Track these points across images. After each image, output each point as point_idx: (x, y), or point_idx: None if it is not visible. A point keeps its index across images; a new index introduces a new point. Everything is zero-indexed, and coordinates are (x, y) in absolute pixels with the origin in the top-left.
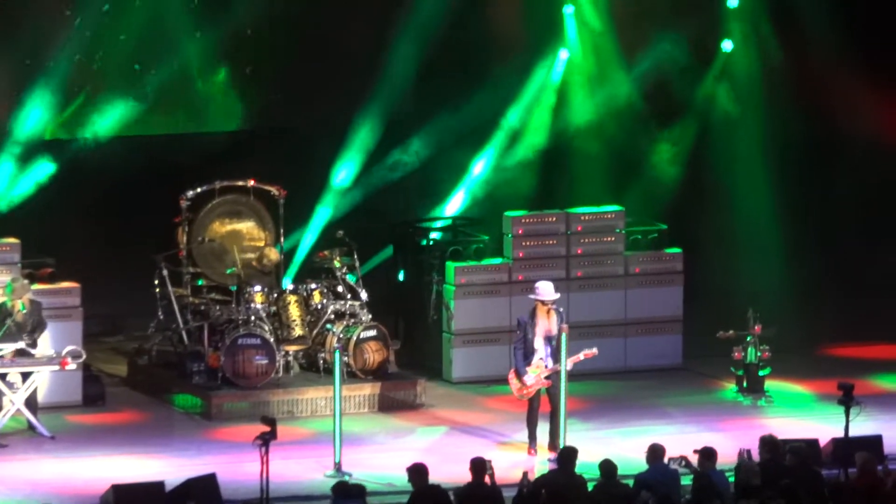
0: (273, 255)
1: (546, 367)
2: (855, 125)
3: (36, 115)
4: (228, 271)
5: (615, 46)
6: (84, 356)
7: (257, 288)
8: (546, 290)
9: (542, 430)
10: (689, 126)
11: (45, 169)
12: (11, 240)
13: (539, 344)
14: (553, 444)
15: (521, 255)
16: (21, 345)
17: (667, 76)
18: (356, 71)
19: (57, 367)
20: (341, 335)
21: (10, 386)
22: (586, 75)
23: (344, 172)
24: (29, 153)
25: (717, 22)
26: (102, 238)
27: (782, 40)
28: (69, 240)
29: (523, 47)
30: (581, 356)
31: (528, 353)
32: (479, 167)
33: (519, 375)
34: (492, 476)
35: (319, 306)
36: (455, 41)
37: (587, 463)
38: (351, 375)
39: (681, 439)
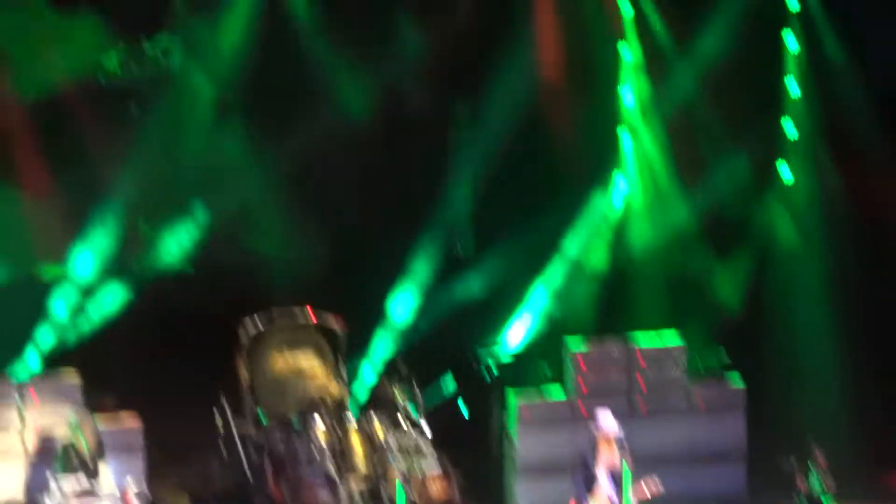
0: (335, 388)
1: (610, 501)
2: None
3: (99, 247)
4: (290, 406)
5: (673, 173)
6: (147, 493)
7: (319, 422)
8: (608, 421)
9: None
10: (749, 252)
11: (106, 301)
12: (72, 372)
13: (602, 477)
14: None
15: (583, 387)
16: (84, 482)
17: (725, 202)
18: (414, 202)
19: (118, 502)
20: (405, 469)
21: None
22: (644, 202)
23: (403, 305)
24: (91, 285)
25: (775, 148)
26: (163, 371)
27: (840, 166)
28: (130, 372)
29: (582, 175)
30: (646, 490)
31: (590, 486)
32: (540, 296)
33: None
34: None
35: (382, 440)
36: (514, 170)
37: None
38: None
39: None
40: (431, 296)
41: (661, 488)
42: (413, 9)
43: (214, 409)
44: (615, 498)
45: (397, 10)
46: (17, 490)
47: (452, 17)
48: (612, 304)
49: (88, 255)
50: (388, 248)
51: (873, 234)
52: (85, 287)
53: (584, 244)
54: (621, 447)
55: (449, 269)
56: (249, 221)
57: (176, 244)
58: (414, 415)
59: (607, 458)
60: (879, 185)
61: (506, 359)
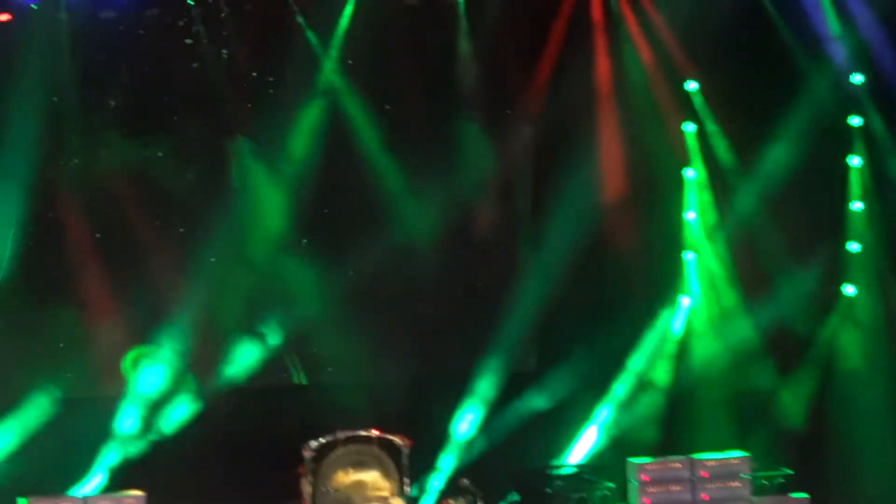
0: None
1: None
2: None
3: (164, 364)
4: None
5: (736, 291)
6: None
7: None
8: None
9: None
10: (813, 370)
11: (171, 419)
12: (136, 492)
13: None
14: None
15: (646, 501)
16: None
17: (788, 321)
18: (477, 321)
19: None
20: None
21: None
22: (708, 322)
23: (467, 421)
24: (153, 405)
25: (839, 263)
26: (226, 489)
27: None
28: (193, 491)
29: (646, 293)
30: None
31: None
32: (603, 414)
33: None
34: None
35: None
36: (579, 288)
37: None
38: None
39: None
40: (495, 412)
41: None
42: (477, 128)
43: None
44: None
45: (462, 129)
46: None
47: (516, 134)
48: (675, 420)
49: (153, 372)
50: (453, 366)
51: None
52: (150, 405)
53: (648, 361)
54: None
55: (513, 386)
56: (313, 341)
57: (242, 363)
58: None
59: None
60: None
61: (570, 475)
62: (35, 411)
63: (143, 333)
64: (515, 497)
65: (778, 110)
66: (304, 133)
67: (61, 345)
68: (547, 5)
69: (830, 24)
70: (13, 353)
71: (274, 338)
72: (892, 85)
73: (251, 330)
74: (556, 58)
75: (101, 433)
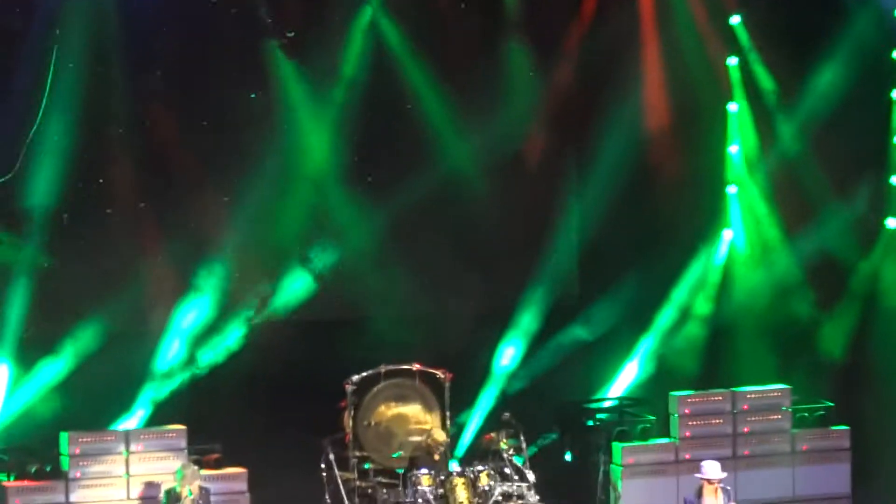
0: (440, 437)
1: None
2: None
3: (207, 300)
4: (395, 455)
5: (779, 224)
6: None
7: (424, 471)
8: (712, 468)
9: None
10: (855, 303)
11: (214, 354)
12: (178, 426)
13: None
14: None
15: (687, 434)
16: None
17: (831, 254)
18: (520, 252)
19: None
20: None
21: None
22: (750, 254)
23: (509, 354)
24: (200, 338)
25: (881, 198)
26: (269, 422)
27: None
28: (236, 424)
29: (690, 225)
30: None
31: None
32: (645, 347)
33: None
34: None
35: (487, 488)
36: (622, 220)
37: None
38: None
39: None
40: (537, 345)
41: None
42: (524, 57)
43: (321, 461)
44: None
45: (511, 59)
46: None
47: (562, 66)
48: (717, 353)
49: (197, 308)
50: (495, 299)
51: None
52: (193, 340)
53: (690, 294)
54: (725, 494)
55: (555, 319)
56: (357, 277)
57: (285, 298)
58: (519, 462)
59: (712, 503)
60: None
61: (611, 408)
62: (84, 344)
63: (190, 268)
64: (554, 435)
65: (821, 44)
66: (352, 62)
67: (111, 280)
68: None
69: None
70: (67, 288)
71: (323, 270)
72: None
73: (302, 262)
74: None
75: (145, 367)
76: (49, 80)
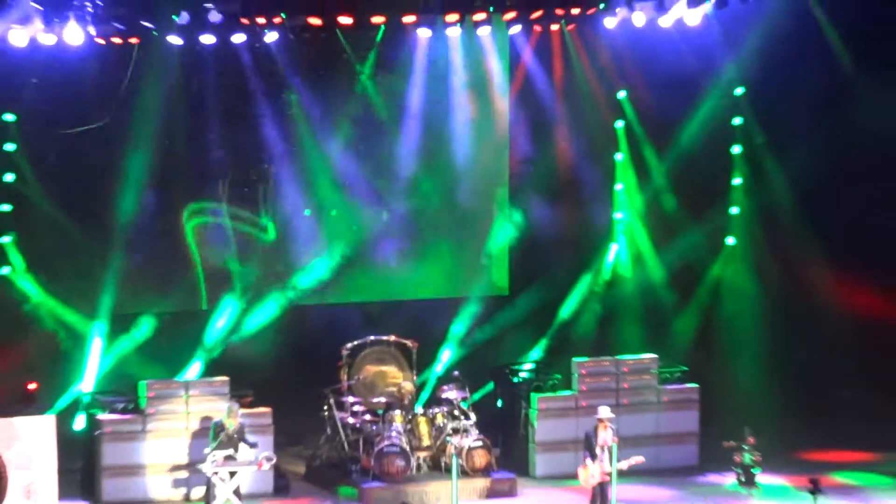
0: (408, 388)
1: (604, 468)
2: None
3: (248, 271)
4: (377, 399)
5: (650, 240)
6: (275, 459)
7: (396, 412)
8: (605, 411)
9: None
10: (704, 297)
11: (251, 324)
12: (222, 377)
13: (599, 450)
14: None
15: (584, 388)
16: (230, 453)
17: (687, 261)
18: (466, 255)
19: (255, 468)
20: (457, 445)
21: (223, 480)
22: (630, 261)
23: (460, 330)
24: (238, 316)
25: (724, 224)
26: (287, 376)
27: (767, 234)
28: (264, 377)
29: (589, 241)
30: (633, 461)
31: (592, 457)
32: (554, 327)
33: (584, 466)
34: None
35: (441, 425)
36: (540, 236)
37: None
38: (464, 474)
39: None
40: (479, 324)
41: (642, 460)
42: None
43: (324, 404)
44: (607, 464)
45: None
46: (181, 457)
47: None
48: (606, 331)
49: (238, 294)
50: (449, 291)
51: (788, 277)
52: (235, 317)
53: (589, 288)
54: (612, 430)
55: (491, 305)
56: (353, 275)
57: (307, 282)
58: (464, 406)
59: (603, 437)
60: (791, 245)
61: (530, 369)
62: (157, 318)
63: (233, 259)
64: (491, 386)
65: (684, 112)
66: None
67: (178, 271)
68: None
69: (723, 51)
70: (148, 275)
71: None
72: (763, 96)
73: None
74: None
75: (200, 335)
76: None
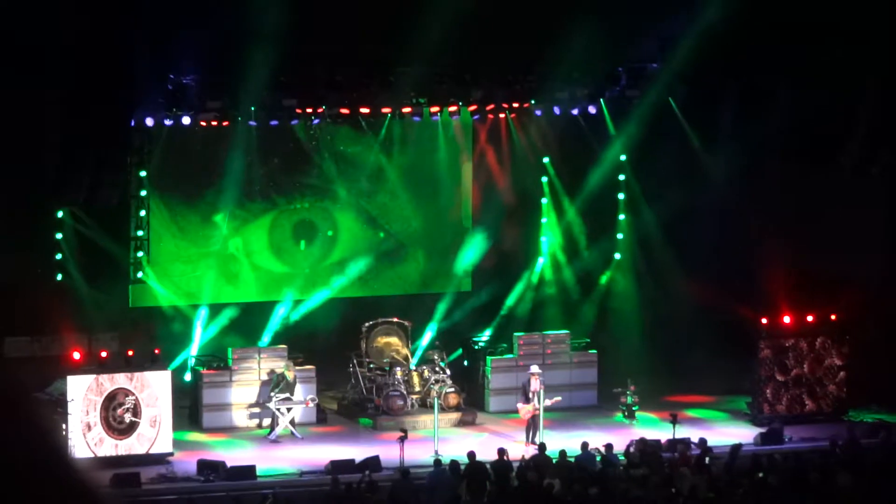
0: (406, 352)
1: (535, 405)
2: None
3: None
4: (384, 361)
5: (564, 255)
6: (317, 400)
7: (398, 368)
8: (535, 368)
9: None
10: (573, 293)
11: (303, 310)
12: (282, 346)
13: (531, 394)
14: (536, 441)
15: (521, 353)
16: (287, 395)
17: (588, 269)
18: (443, 259)
19: (303, 405)
20: (438, 390)
21: (283, 414)
22: (550, 268)
23: (440, 314)
24: (293, 304)
25: (613, 244)
26: (325, 344)
27: (643, 256)
28: (310, 345)
29: (526, 256)
30: (553, 400)
31: (526, 399)
32: (502, 311)
33: (522, 407)
34: (507, 455)
35: (427, 377)
36: (496, 248)
37: (552, 451)
38: (442, 409)
39: (595, 439)
40: (452, 310)
41: (560, 399)
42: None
43: (350, 363)
44: (538, 404)
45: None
46: (255, 398)
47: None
48: (536, 314)
49: (293, 288)
50: (429, 286)
51: (656, 280)
52: (291, 305)
53: (524, 287)
54: (540, 381)
55: (460, 297)
56: (370, 280)
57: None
58: (443, 365)
59: (534, 385)
60: (658, 259)
61: (485, 340)
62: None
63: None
64: (460, 351)
65: (587, 171)
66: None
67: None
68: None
69: (612, 130)
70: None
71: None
72: (639, 161)
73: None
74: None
75: (268, 316)
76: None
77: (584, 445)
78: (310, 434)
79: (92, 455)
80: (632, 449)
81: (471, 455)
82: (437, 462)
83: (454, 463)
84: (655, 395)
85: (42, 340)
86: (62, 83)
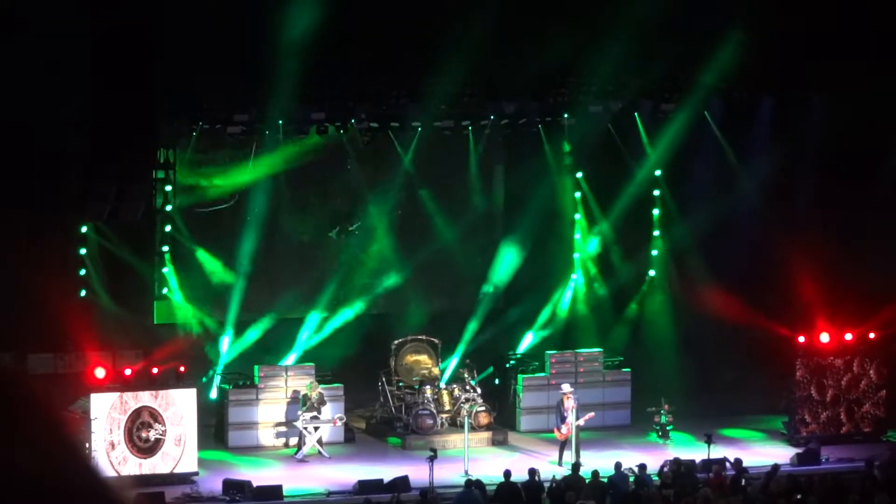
0: (436, 371)
1: (569, 425)
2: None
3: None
4: (413, 380)
5: (599, 273)
6: (345, 419)
7: (427, 386)
8: (566, 387)
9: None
10: (634, 313)
11: (327, 329)
12: (310, 363)
13: (565, 414)
14: (562, 464)
15: (553, 371)
16: (315, 414)
17: (623, 287)
18: (474, 283)
19: (331, 424)
20: (468, 409)
21: (310, 433)
22: (585, 287)
23: (470, 332)
24: (319, 323)
25: (648, 261)
26: (353, 362)
27: (677, 268)
28: (338, 362)
29: (560, 273)
30: (587, 417)
31: (562, 418)
32: (534, 331)
33: (557, 428)
34: (538, 475)
35: (458, 395)
36: (525, 269)
37: (585, 472)
38: (472, 429)
39: (628, 459)
40: (483, 327)
41: (593, 415)
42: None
43: (379, 381)
44: (572, 423)
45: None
46: (282, 417)
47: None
48: (568, 334)
49: (320, 307)
50: (460, 306)
51: (690, 297)
52: (317, 323)
53: (553, 307)
54: (574, 399)
55: (490, 316)
56: (399, 298)
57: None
58: (473, 383)
59: (568, 404)
60: (692, 276)
61: (517, 358)
62: (266, 323)
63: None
64: (490, 369)
65: (621, 186)
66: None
67: (278, 289)
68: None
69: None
70: (260, 293)
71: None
72: (675, 175)
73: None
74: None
75: (295, 335)
76: None
77: (618, 465)
78: (338, 453)
79: (116, 474)
80: (665, 469)
81: (506, 474)
82: (468, 483)
83: (479, 483)
84: (689, 413)
85: (65, 357)
86: (86, 97)
